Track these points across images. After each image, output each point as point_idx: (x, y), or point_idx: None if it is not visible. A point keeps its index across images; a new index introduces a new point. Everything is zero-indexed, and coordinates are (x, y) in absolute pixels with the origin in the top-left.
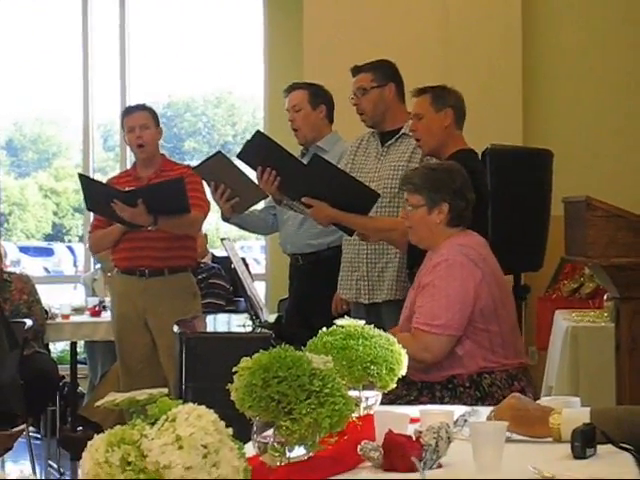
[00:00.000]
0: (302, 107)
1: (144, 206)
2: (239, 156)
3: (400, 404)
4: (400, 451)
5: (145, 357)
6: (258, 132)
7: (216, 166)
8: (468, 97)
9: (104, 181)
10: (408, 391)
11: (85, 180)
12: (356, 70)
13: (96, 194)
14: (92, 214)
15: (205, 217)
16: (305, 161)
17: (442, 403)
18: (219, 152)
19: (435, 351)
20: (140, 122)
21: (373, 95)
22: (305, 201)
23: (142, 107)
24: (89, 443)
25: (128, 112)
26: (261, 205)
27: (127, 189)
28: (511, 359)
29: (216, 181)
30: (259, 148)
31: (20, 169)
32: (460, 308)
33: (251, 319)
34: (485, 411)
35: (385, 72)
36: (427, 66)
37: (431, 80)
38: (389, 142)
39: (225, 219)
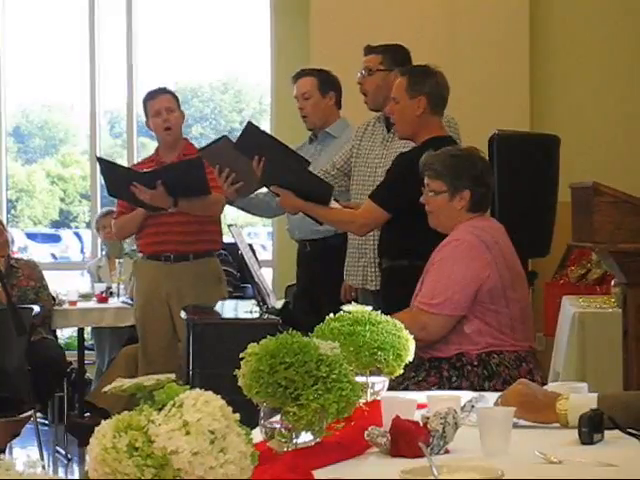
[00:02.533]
0: (312, 94)
1: (163, 187)
2: (235, 147)
3: (408, 385)
4: (407, 437)
5: (167, 344)
6: (249, 123)
7: (221, 150)
8: (475, 82)
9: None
10: (416, 372)
11: (105, 164)
12: (368, 50)
13: (116, 178)
14: (101, 204)
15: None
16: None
17: (450, 383)
18: (224, 136)
19: (431, 330)
20: (165, 105)
21: (377, 77)
22: (273, 190)
23: (165, 90)
24: (96, 429)
25: (152, 96)
26: (265, 189)
27: (145, 170)
28: (520, 342)
29: (221, 165)
30: (250, 139)
31: (27, 156)
32: (462, 288)
33: (258, 305)
34: (492, 397)
35: (395, 57)
36: (433, 51)
37: (437, 65)
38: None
39: (229, 202)
